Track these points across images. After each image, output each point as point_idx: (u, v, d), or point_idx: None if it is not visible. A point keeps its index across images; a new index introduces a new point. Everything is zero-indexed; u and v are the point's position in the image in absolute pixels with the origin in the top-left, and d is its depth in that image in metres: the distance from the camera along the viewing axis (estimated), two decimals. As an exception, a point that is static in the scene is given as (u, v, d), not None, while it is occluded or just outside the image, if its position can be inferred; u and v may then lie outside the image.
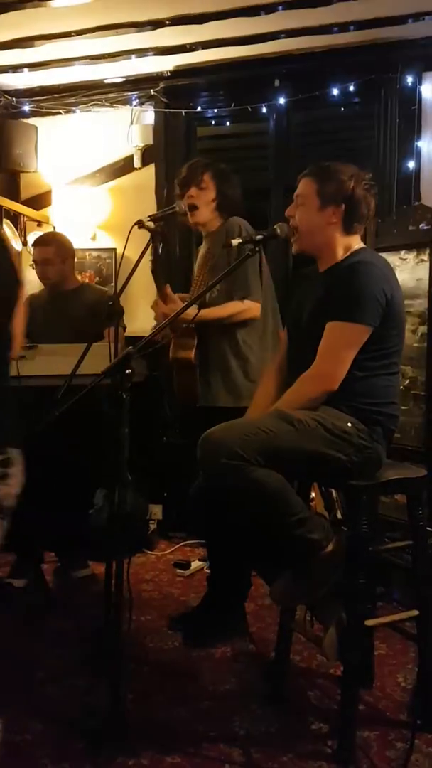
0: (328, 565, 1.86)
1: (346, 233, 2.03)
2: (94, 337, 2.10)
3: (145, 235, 2.33)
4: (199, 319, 2.32)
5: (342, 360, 1.89)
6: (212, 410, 2.57)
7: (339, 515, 2.71)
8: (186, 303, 2.12)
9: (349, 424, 1.90)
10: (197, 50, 3.55)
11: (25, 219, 4.07)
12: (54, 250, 3.15)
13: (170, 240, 3.84)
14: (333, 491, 2.46)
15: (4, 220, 3.88)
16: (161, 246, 2.47)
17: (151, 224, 2.33)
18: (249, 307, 2.53)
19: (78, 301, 3.17)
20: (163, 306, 2.54)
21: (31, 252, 3.27)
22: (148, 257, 2.34)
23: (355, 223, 2.03)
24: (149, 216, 2.35)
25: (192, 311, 2.17)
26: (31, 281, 4.21)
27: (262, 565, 2.05)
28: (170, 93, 3.91)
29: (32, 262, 3.25)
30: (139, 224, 2.31)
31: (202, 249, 2.74)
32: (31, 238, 4.10)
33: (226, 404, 2.56)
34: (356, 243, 2.06)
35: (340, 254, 2.03)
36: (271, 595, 2.06)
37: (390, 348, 1.96)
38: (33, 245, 3.22)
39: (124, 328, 3.27)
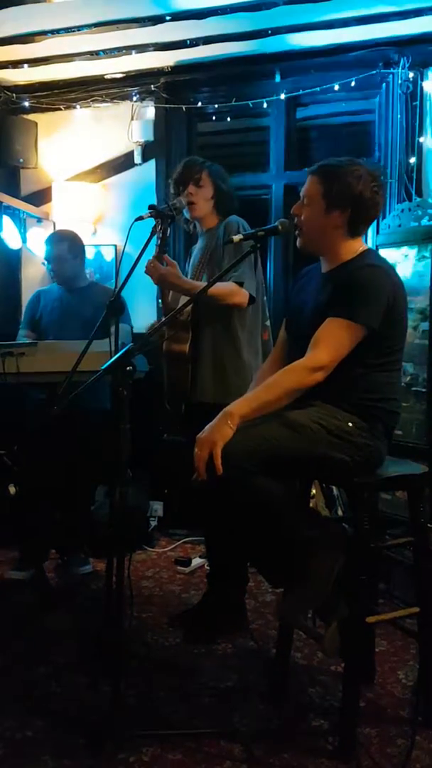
0: (329, 564, 1.85)
1: (350, 236, 1.99)
2: (102, 335, 2.09)
3: (145, 231, 2.32)
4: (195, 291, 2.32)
5: (335, 354, 1.86)
6: (201, 405, 2.53)
7: (340, 512, 2.71)
8: (195, 292, 2.11)
9: (351, 424, 1.89)
10: (198, 46, 3.53)
11: (25, 215, 4.06)
12: (68, 247, 3.18)
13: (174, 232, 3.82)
14: (334, 488, 2.46)
15: (4, 216, 3.87)
16: (169, 230, 2.44)
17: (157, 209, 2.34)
18: (239, 292, 2.46)
19: (88, 299, 3.18)
20: (160, 267, 2.46)
21: (43, 249, 3.28)
22: (154, 243, 2.34)
23: (361, 225, 1.99)
24: (149, 206, 2.35)
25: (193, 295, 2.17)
26: (32, 278, 4.24)
27: (264, 564, 2.04)
28: (171, 88, 3.90)
29: (44, 260, 3.27)
30: (151, 209, 2.31)
31: (198, 246, 2.72)
32: (31, 234, 4.09)
33: (215, 400, 2.48)
34: (360, 245, 2.03)
35: (345, 256, 2.00)
36: (279, 614, 2.05)
37: (392, 346, 1.95)
38: (46, 243, 3.25)
39: (132, 327, 3.26)
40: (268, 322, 2.74)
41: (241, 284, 2.46)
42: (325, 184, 1.96)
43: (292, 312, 2.16)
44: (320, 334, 1.88)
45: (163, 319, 2.28)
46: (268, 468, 1.80)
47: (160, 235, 2.42)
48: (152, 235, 2.30)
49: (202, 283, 2.45)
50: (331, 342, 1.87)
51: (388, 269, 1.97)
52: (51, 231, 4.04)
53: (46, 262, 3.26)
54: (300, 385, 1.86)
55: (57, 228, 3.98)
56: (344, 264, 1.99)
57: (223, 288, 2.44)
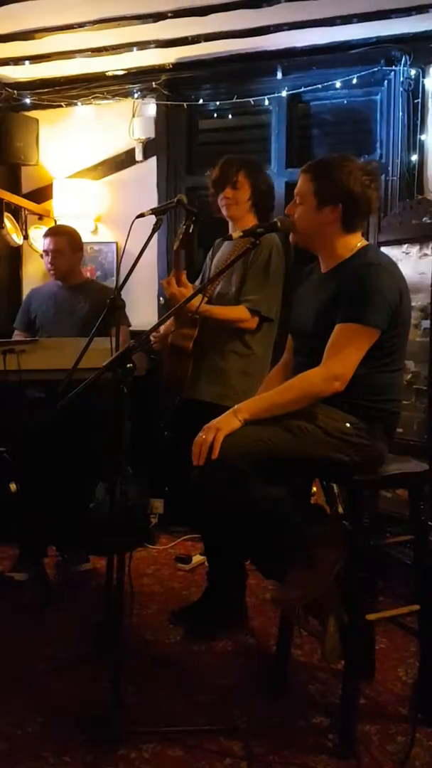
0: (330, 561, 1.85)
1: (346, 231, 1.98)
2: (99, 334, 2.09)
3: (145, 229, 2.31)
4: (201, 312, 2.32)
5: (351, 362, 1.86)
6: (198, 403, 2.51)
7: (340, 510, 2.70)
8: (194, 291, 2.11)
9: (348, 425, 1.89)
10: (199, 42, 3.53)
11: (26, 212, 4.06)
12: (66, 241, 3.19)
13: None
14: (334, 486, 2.46)
15: (5, 214, 3.87)
16: (193, 227, 2.40)
17: (184, 200, 2.32)
18: (248, 319, 2.48)
19: (83, 297, 3.18)
20: (174, 286, 2.47)
21: (42, 243, 3.29)
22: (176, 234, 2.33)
23: (356, 220, 1.98)
24: (150, 209, 2.34)
25: (197, 301, 2.17)
26: (33, 275, 4.24)
27: (261, 561, 2.04)
28: (172, 85, 3.89)
29: (42, 252, 3.28)
30: (179, 203, 2.30)
31: (226, 249, 2.68)
32: (33, 231, 4.09)
33: (211, 400, 2.47)
34: (358, 240, 2.02)
35: (343, 253, 1.99)
36: (273, 601, 2.05)
37: (394, 346, 1.94)
38: (45, 235, 3.27)
39: (129, 325, 3.26)
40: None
41: (257, 311, 2.46)
42: (316, 181, 1.97)
43: (296, 315, 2.15)
44: (333, 342, 1.88)
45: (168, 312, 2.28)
46: (266, 469, 1.80)
47: (184, 232, 2.39)
48: (154, 232, 2.29)
49: (211, 306, 2.47)
50: (345, 350, 1.86)
51: (392, 267, 1.96)
52: (52, 228, 4.05)
53: (44, 254, 3.26)
54: (315, 393, 1.86)
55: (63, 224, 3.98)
56: (344, 262, 1.98)
57: (236, 314, 2.47)
